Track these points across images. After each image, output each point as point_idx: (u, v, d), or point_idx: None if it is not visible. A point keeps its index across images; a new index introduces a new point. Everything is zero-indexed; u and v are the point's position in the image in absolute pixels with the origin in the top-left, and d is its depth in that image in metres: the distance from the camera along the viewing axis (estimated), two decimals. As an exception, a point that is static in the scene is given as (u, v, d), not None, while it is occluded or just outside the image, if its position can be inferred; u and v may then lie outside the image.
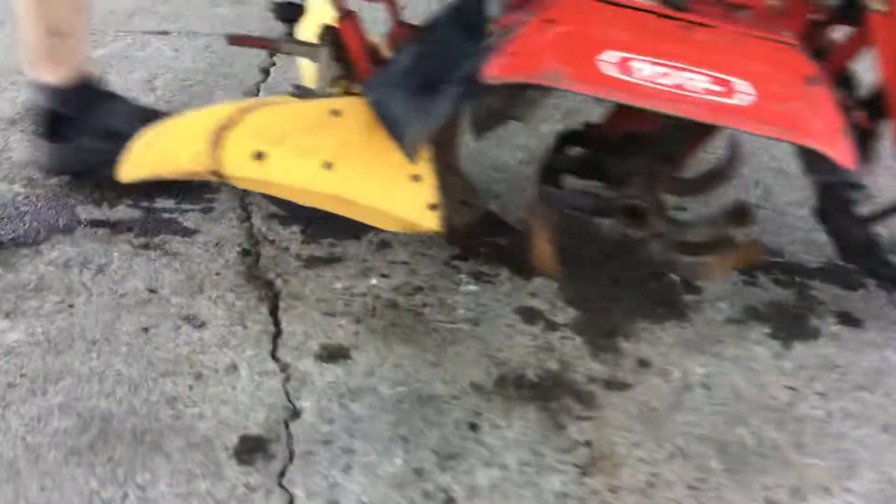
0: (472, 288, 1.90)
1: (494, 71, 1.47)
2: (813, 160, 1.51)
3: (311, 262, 1.95)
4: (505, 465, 1.46)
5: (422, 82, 1.64)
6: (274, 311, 1.78)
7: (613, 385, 1.63)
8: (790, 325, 1.84)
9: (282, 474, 1.42)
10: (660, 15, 1.50)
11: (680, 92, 1.39)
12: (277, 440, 1.48)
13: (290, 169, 1.71)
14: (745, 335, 1.80)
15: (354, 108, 1.73)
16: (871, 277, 1.92)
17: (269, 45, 2.08)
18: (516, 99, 1.59)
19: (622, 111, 1.79)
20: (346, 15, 1.83)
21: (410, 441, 1.50)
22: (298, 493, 1.39)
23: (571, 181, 1.87)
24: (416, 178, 1.81)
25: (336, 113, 1.71)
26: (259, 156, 1.66)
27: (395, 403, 1.56)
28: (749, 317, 1.86)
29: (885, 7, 1.45)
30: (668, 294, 1.91)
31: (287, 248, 1.98)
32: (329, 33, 1.86)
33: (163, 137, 1.78)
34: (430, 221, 1.85)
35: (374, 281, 1.90)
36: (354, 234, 1.99)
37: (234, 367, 1.63)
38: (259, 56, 2.73)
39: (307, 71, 2.35)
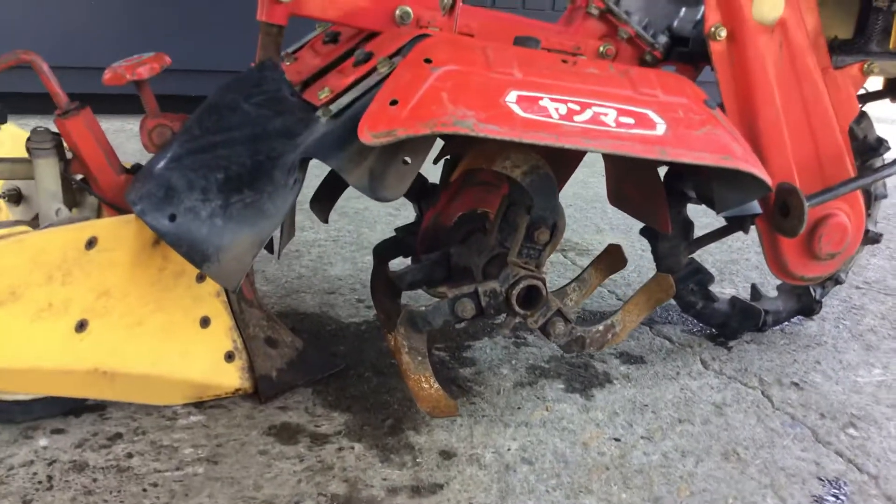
0: (195, 419, 1.37)
1: (380, 126, 1.08)
2: (727, 189, 1.32)
3: (-68, 439, 1.27)
4: None
5: (227, 178, 1.17)
6: None
7: (423, 490, 1.22)
8: (580, 375, 1.61)
9: None
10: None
11: (603, 129, 1.16)
12: None
13: (25, 342, 1.12)
14: (543, 395, 1.52)
15: (117, 233, 1.19)
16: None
17: None
18: (386, 166, 1.18)
19: (452, 196, 1.49)
20: (74, 110, 1.28)
21: None
22: None
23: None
24: (204, 321, 1.33)
25: (92, 243, 1.16)
26: None
27: None
28: (538, 376, 1.59)
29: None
30: (443, 373, 1.58)
31: None
32: (47, 137, 1.28)
33: None
34: (230, 377, 1.37)
35: (42, 442, 1.28)
36: None
37: None
38: None
39: None
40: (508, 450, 1.33)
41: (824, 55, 1.46)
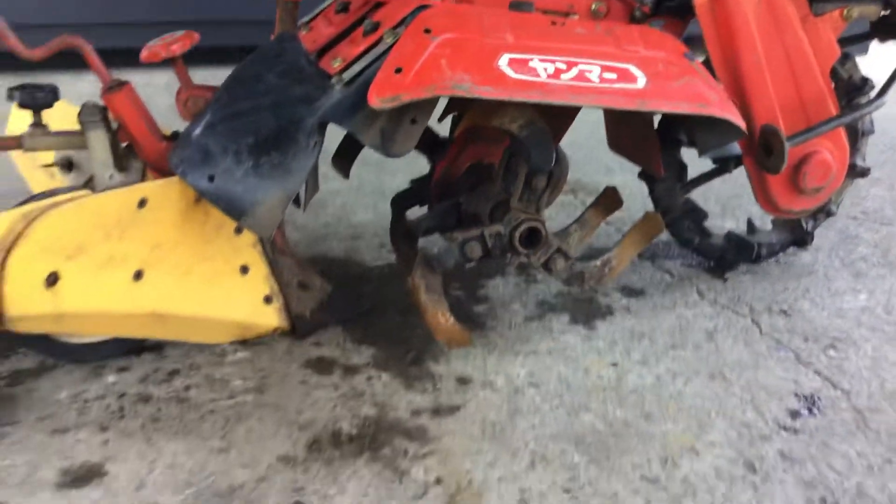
0: (241, 355, 1.55)
1: (387, 92, 1.22)
2: (706, 133, 1.45)
3: (17, 378, 1.47)
4: (351, 541, 1.14)
5: (256, 142, 1.32)
6: (-23, 447, 1.28)
7: (442, 411, 1.40)
8: (584, 308, 1.77)
9: None
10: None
11: (587, 84, 1.29)
12: None
13: (92, 290, 1.30)
14: (550, 327, 1.68)
15: (164, 194, 1.37)
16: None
17: (6, 144, 1.53)
18: (396, 125, 1.32)
19: (460, 149, 1.63)
20: (118, 86, 1.44)
21: (220, 552, 1.12)
22: None
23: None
24: (244, 269, 1.50)
25: (143, 203, 1.33)
26: (52, 279, 1.25)
27: (188, 510, 1.16)
28: (545, 311, 1.75)
29: None
30: (460, 310, 1.74)
31: (-23, 368, 1.48)
32: (96, 112, 1.46)
33: None
34: (269, 317, 1.55)
35: (111, 379, 1.47)
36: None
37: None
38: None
39: (32, 176, 1.86)
40: (518, 376, 1.50)
41: (803, 4, 1.56)
